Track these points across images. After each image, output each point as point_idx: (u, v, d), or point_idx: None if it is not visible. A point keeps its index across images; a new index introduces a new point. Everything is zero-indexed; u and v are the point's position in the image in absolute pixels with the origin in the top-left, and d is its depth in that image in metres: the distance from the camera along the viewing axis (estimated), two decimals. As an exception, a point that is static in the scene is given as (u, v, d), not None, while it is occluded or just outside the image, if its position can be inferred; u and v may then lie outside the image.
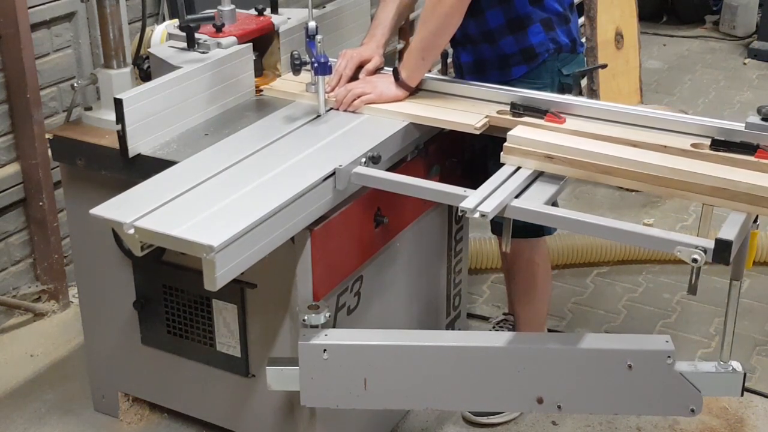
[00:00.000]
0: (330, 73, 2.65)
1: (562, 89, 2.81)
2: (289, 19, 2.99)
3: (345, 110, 2.70)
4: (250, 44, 2.83)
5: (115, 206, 2.21)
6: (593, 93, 5.09)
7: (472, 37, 2.79)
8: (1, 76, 3.37)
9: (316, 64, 2.60)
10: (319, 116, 2.67)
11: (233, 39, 2.79)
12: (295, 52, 2.62)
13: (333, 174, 2.37)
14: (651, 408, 2.43)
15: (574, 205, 4.40)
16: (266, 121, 2.67)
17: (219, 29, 2.79)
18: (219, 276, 2.07)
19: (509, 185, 2.34)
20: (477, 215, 2.21)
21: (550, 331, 3.47)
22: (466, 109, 2.67)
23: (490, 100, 2.70)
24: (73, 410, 3.10)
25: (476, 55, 2.82)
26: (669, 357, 2.31)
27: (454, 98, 2.76)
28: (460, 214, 2.25)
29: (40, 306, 3.60)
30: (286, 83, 2.89)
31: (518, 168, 2.42)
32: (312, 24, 2.59)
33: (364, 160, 2.44)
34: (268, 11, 2.98)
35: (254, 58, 2.84)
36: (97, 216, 2.18)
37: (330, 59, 2.63)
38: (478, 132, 2.59)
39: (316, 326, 2.38)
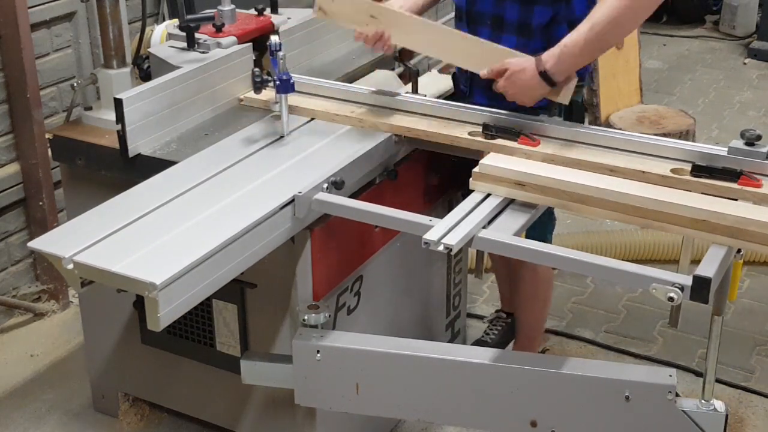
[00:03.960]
0: (292, 90, 2.50)
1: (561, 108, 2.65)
2: (289, 19, 2.99)
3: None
4: (250, 44, 2.83)
5: (55, 239, 2.11)
6: (593, 93, 5.09)
7: (531, 29, 2.60)
8: (1, 76, 3.37)
9: (278, 82, 2.49)
10: (282, 137, 2.56)
11: (233, 39, 2.79)
12: (256, 70, 2.54)
13: (292, 201, 2.25)
14: None
15: (574, 205, 4.40)
16: (225, 142, 2.55)
17: (219, 29, 2.79)
18: (162, 315, 1.94)
19: (477, 214, 2.22)
20: (441, 248, 2.10)
21: (549, 331, 3.48)
22: (438, 131, 2.55)
23: (462, 120, 2.58)
24: (73, 410, 3.11)
25: (522, 46, 2.57)
26: (670, 392, 2.16)
27: (426, 118, 2.61)
28: (423, 246, 2.11)
29: (40, 306, 3.60)
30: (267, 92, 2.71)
31: (488, 195, 2.31)
32: (275, 39, 2.49)
33: (326, 185, 2.31)
34: (268, 11, 2.98)
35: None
36: (36, 250, 2.08)
37: (294, 76, 2.51)
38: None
39: (316, 326, 2.38)
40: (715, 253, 2.06)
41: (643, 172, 2.30)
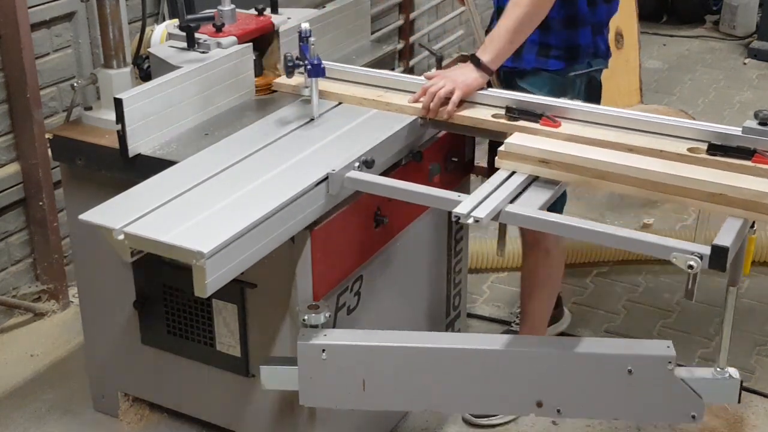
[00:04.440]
0: (323, 75, 2.61)
1: (590, 82, 2.84)
2: (289, 18, 2.99)
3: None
4: (250, 44, 2.83)
5: (105, 211, 2.19)
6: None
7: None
8: (1, 76, 3.37)
9: (309, 67, 2.58)
10: (312, 120, 2.66)
11: (233, 39, 2.79)
12: (288, 54, 2.60)
13: (326, 179, 2.36)
14: (652, 414, 2.41)
15: (574, 205, 4.39)
16: (259, 124, 2.65)
17: (219, 29, 2.79)
18: (209, 282, 2.05)
19: (504, 190, 2.32)
20: (471, 221, 2.20)
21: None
22: (462, 113, 2.63)
23: (485, 103, 2.66)
24: (73, 410, 3.11)
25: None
26: (670, 363, 2.28)
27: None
28: (453, 219, 2.23)
29: (40, 306, 3.60)
30: (296, 77, 2.80)
31: (513, 173, 2.40)
32: (305, 26, 2.57)
33: (357, 164, 2.42)
34: (268, 11, 2.98)
35: (254, 58, 2.84)
36: (86, 222, 2.16)
37: (323, 62, 2.61)
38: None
39: (316, 326, 2.38)
40: (732, 224, 2.16)
41: (661, 151, 2.39)
